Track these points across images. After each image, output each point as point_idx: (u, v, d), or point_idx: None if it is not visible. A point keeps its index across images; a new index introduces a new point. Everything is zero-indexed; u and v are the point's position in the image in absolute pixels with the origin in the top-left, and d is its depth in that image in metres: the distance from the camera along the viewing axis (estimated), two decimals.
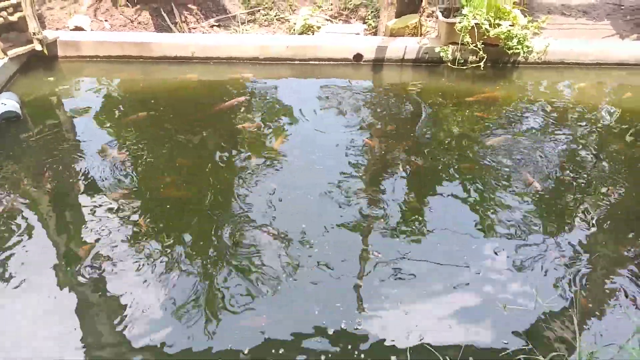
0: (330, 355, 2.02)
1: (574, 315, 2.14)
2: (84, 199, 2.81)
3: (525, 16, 4.31)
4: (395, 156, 3.25)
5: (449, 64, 4.27)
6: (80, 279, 2.33)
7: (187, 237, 2.57)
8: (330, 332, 2.11)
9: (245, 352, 2.02)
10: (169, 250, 2.48)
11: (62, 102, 3.87)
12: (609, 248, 2.57)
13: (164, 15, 4.72)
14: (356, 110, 3.75)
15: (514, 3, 4.36)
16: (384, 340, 2.09)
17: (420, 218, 2.74)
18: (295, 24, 4.76)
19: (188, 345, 2.05)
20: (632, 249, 2.56)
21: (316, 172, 3.06)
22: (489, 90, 4.00)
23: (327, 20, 4.90)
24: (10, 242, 2.51)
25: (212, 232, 2.59)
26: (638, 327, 2.08)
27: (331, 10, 5.09)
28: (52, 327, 2.12)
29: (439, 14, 4.34)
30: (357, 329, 2.12)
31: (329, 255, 2.46)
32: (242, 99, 3.79)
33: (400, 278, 2.36)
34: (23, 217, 2.67)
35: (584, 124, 3.67)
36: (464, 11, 4.11)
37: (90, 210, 2.74)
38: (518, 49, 4.12)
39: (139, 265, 2.40)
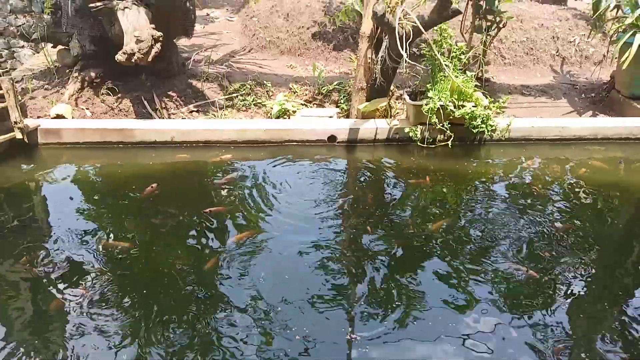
0: None
1: None
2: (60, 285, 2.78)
3: (487, 97, 4.61)
4: (367, 232, 3.32)
5: (418, 143, 4.47)
6: None
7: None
8: None
9: None
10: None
11: (40, 188, 3.90)
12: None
13: (145, 102, 4.90)
14: (330, 189, 3.86)
15: (476, 86, 4.68)
16: None
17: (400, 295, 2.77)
18: (272, 108, 4.98)
19: None
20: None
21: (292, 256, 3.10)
22: (421, 179, 4.10)
23: (302, 104, 5.14)
24: None
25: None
26: None
27: (306, 95, 5.35)
28: None
29: (407, 97, 4.61)
30: None
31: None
32: (234, 174, 3.99)
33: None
34: None
35: (548, 197, 3.83)
36: (430, 94, 4.38)
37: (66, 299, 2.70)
38: (482, 127, 4.36)
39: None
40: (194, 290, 2.77)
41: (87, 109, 4.75)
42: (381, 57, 4.53)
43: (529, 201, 3.74)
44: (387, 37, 4.41)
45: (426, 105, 4.34)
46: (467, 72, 4.54)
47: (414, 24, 4.11)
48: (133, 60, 4.03)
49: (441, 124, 4.37)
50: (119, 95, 4.93)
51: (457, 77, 4.37)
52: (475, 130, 4.40)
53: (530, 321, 2.60)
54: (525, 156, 4.49)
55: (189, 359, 2.34)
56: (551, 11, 6.76)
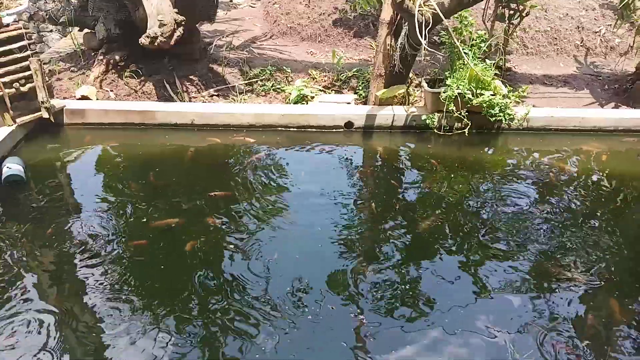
0: None
1: None
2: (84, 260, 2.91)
3: (506, 86, 4.58)
4: (387, 221, 3.37)
5: (435, 131, 4.48)
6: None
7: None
8: None
9: None
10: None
11: (66, 166, 4.05)
12: None
13: (167, 85, 5.00)
14: (344, 175, 3.91)
15: (495, 74, 4.65)
16: None
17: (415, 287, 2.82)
18: (290, 94, 5.03)
19: None
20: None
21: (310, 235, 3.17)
22: (434, 166, 4.15)
23: (320, 90, 5.18)
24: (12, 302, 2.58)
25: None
26: None
27: (325, 81, 5.39)
28: None
29: (425, 85, 4.61)
30: None
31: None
32: (261, 154, 4.11)
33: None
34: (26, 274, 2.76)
35: (565, 187, 3.81)
36: (448, 82, 4.38)
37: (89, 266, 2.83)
38: (500, 116, 4.34)
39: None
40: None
41: (111, 90, 4.88)
42: (400, 44, 4.54)
43: (545, 190, 3.73)
44: (406, 24, 4.41)
45: (444, 92, 4.34)
46: (486, 60, 4.50)
47: (434, 11, 4.10)
48: (156, 44, 4.11)
49: (458, 112, 4.37)
50: (142, 78, 5.04)
51: (476, 65, 4.35)
52: (493, 119, 4.38)
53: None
54: (544, 146, 4.46)
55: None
56: (577, 0, 6.62)
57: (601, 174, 4.06)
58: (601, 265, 2.95)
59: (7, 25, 3.96)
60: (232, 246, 3.06)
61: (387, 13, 4.47)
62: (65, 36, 6.47)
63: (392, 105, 4.74)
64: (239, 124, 4.57)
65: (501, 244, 3.12)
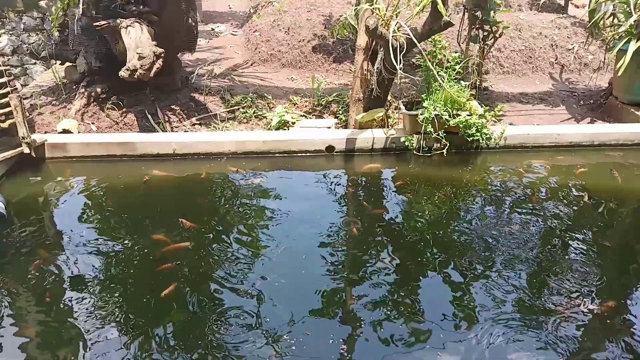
0: None
1: None
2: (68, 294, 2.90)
3: (482, 106, 4.67)
4: (372, 241, 3.40)
5: (414, 152, 4.54)
6: None
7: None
8: None
9: None
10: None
11: (47, 201, 4.05)
12: None
13: (149, 116, 5.04)
14: (325, 199, 3.95)
15: (472, 94, 4.75)
16: None
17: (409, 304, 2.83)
18: (272, 120, 5.08)
19: None
20: None
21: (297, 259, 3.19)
22: (414, 186, 4.21)
23: (301, 116, 5.25)
24: None
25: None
26: None
27: (306, 106, 5.46)
28: None
29: (402, 107, 4.70)
30: None
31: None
32: (243, 181, 4.17)
33: None
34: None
35: (544, 204, 3.88)
36: (425, 104, 4.46)
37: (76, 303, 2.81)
38: (477, 136, 4.43)
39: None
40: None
41: (93, 123, 4.90)
42: (377, 68, 4.63)
43: (524, 207, 3.79)
44: (382, 49, 4.50)
45: (421, 115, 4.42)
46: (461, 81, 4.61)
47: (408, 36, 4.20)
48: (136, 76, 4.17)
49: (436, 133, 4.44)
50: (124, 109, 5.08)
51: (452, 87, 4.45)
52: (470, 139, 4.46)
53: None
54: (521, 163, 4.53)
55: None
56: (550, 19, 6.82)
57: (578, 188, 4.14)
58: (594, 290, 2.96)
59: None
60: (212, 273, 3.06)
61: (362, 39, 4.58)
62: (48, 69, 6.52)
63: (371, 128, 4.81)
64: (221, 151, 4.60)
65: (483, 264, 3.15)
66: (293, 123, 5.04)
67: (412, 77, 4.55)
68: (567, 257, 3.24)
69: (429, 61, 4.45)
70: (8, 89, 4.11)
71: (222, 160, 4.55)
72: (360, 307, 2.79)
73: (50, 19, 8.89)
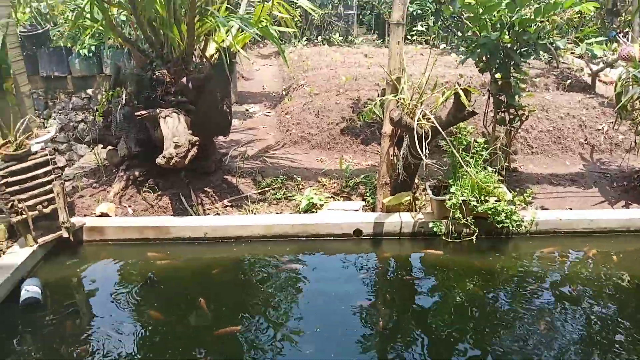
0: None
1: None
2: None
3: (510, 190, 4.66)
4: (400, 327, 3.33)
5: (443, 238, 4.52)
6: None
7: None
8: None
9: None
10: None
11: (83, 284, 4.17)
12: None
13: (183, 199, 5.22)
14: (352, 285, 3.93)
15: (499, 179, 4.76)
16: None
17: None
18: (301, 201, 5.18)
19: None
20: None
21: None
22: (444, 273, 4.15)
23: (329, 197, 5.33)
24: None
25: None
26: None
27: (334, 188, 5.56)
28: None
29: (430, 192, 4.73)
30: None
31: None
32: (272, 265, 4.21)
33: None
34: None
35: (578, 293, 3.74)
36: (452, 189, 4.49)
37: None
38: (507, 223, 4.38)
39: None
40: None
41: (130, 206, 5.10)
42: (403, 154, 4.72)
43: (559, 297, 3.67)
44: (407, 136, 4.61)
45: (449, 200, 4.44)
46: (488, 167, 4.63)
47: (433, 124, 4.31)
48: (171, 164, 4.37)
49: (465, 219, 4.42)
50: (159, 192, 5.28)
51: (478, 173, 4.48)
52: (500, 225, 4.42)
53: None
54: (553, 249, 4.43)
55: None
56: (577, 100, 6.88)
57: (616, 277, 3.99)
58: None
59: (35, 152, 4.28)
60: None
61: (388, 127, 4.71)
62: (91, 150, 6.90)
63: (399, 211, 4.83)
64: (251, 235, 4.69)
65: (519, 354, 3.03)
66: (321, 205, 5.12)
67: (435, 166, 4.61)
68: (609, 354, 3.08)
69: (454, 147, 4.51)
70: (53, 176, 4.36)
71: (252, 244, 4.62)
72: None
73: (97, 100, 9.53)
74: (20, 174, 4.19)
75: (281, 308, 3.65)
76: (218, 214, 5.11)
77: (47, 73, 9.75)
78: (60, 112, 10.62)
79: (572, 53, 8.05)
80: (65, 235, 4.42)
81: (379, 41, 12.46)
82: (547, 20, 5.10)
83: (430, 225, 4.55)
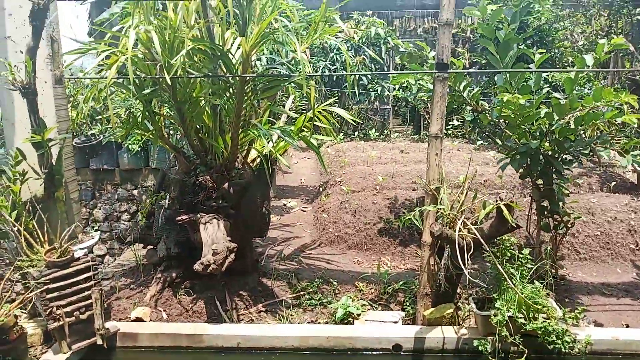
0: None
1: None
2: None
3: (560, 306, 4.39)
4: None
5: (490, 358, 4.23)
6: None
7: None
8: None
9: None
10: None
11: None
12: None
13: (217, 303, 5.15)
14: None
15: (547, 292, 4.51)
16: None
17: None
18: (337, 309, 5.02)
19: None
20: None
21: None
22: None
23: (366, 304, 5.15)
24: None
25: None
26: None
27: (371, 293, 5.39)
28: None
29: (474, 306, 4.51)
30: None
31: None
32: None
33: None
34: None
35: None
36: (497, 304, 4.26)
37: None
38: (558, 343, 4.08)
39: None
40: None
41: (165, 310, 5.06)
42: (444, 264, 4.57)
43: None
44: (448, 246, 4.50)
45: (494, 316, 4.20)
46: (536, 282, 4.41)
47: (474, 236, 4.20)
48: (209, 271, 4.37)
49: (512, 337, 4.15)
50: (194, 296, 5.24)
51: (525, 287, 4.27)
52: (551, 346, 4.12)
53: None
54: None
55: None
56: (624, 202, 6.63)
57: None
58: None
59: (78, 259, 4.37)
60: None
61: (428, 236, 4.62)
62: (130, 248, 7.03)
63: (441, 325, 4.60)
64: (284, 346, 4.53)
65: None
66: (358, 315, 4.94)
67: (481, 263, 4.43)
68: None
69: (497, 260, 4.36)
70: (92, 282, 4.41)
71: (286, 355, 4.45)
72: None
73: (141, 198, 9.91)
74: (62, 280, 4.26)
75: None
76: (252, 320, 5.00)
77: (97, 166, 10.28)
78: (105, 202, 11.05)
79: (617, 166, 7.97)
80: (100, 342, 4.38)
81: (415, 136, 12.65)
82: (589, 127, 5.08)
83: (475, 343, 4.29)
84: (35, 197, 4.41)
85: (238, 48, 4.35)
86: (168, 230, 5.55)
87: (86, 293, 4.38)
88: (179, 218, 5.04)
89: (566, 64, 11.54)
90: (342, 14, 12.04)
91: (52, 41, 4.50)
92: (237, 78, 4.40)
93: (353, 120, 5.49)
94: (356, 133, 12.55)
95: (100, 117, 8.87)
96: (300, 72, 4.18)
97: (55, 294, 4.23)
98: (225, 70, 4.47)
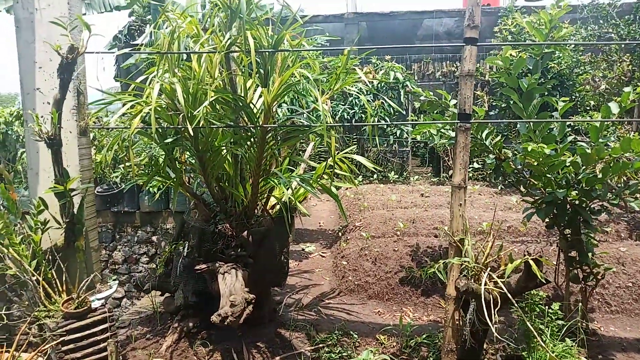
0: None
1: None
2: None
3: None
4: None
5: None
6: None
7: None
8: None
9: None
10: None
11: None
12: None
13: (234, 355, 5.01)
14: None
15: (579, 348, 4.28)
16: None
17: None
18: None
19: None
20: None
21: None
22: None
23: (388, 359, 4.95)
24: None
25: None
26: None
27: (393, 347, 5.20)
28: None
29: None
30: None
31: None
32: None
33: None
34: None
35: None
36: None
37: None
38: None
39: None
40: None
41: None
42: (469, 319, 4.39)
43: None
44: (473, 300, 4.33)
45: None
46: (567, 339, 4.20)
47: (501, 291, 4.04)
48: (226, 323, 4.26)
49: None
50: (211, 347, 5.11)
51: (555, 345, 4.06)
52: None
53: None
54: None
55: None
56: None
57: None
58: None
59: (95, 309, 4.31)
60: None
61: (452, 289, 4.46)
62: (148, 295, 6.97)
63: None
64: None
65: None
66: None
67: (507, 315, 4.23)
68: None
69: (525, 315, 4.17)
70: (108, 334, 4.33)
71: None
72: None
73: (160, 243, 9.92)
74: (78, 332, 4.20)
75: None
76: None
77: (117, 209, 10.37)
78: (125, 244, 11.09)
79: None
80: None
81: (435, 178, 12.55)
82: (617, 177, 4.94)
83: None
84: (55, 246, 4.41)
85: (259, 97, 4.38)
86: (186, 279, 5.48)
87: (102, 345, 4.30)
88: (197, 267, 4.98)
89: (588, 108, 11.45)
90: (362, 59, 12.25)
91: (79, 93, 4.61)
92: (259, 128, 4.42)
93: (374, 168, 5.44)
94: (375, 175, 12.51)
95: (122, 162, 9.00)
96: (320, 122, 4.18)
97: (71, 345, 4.16)
98: (247, 120, 4.50)
